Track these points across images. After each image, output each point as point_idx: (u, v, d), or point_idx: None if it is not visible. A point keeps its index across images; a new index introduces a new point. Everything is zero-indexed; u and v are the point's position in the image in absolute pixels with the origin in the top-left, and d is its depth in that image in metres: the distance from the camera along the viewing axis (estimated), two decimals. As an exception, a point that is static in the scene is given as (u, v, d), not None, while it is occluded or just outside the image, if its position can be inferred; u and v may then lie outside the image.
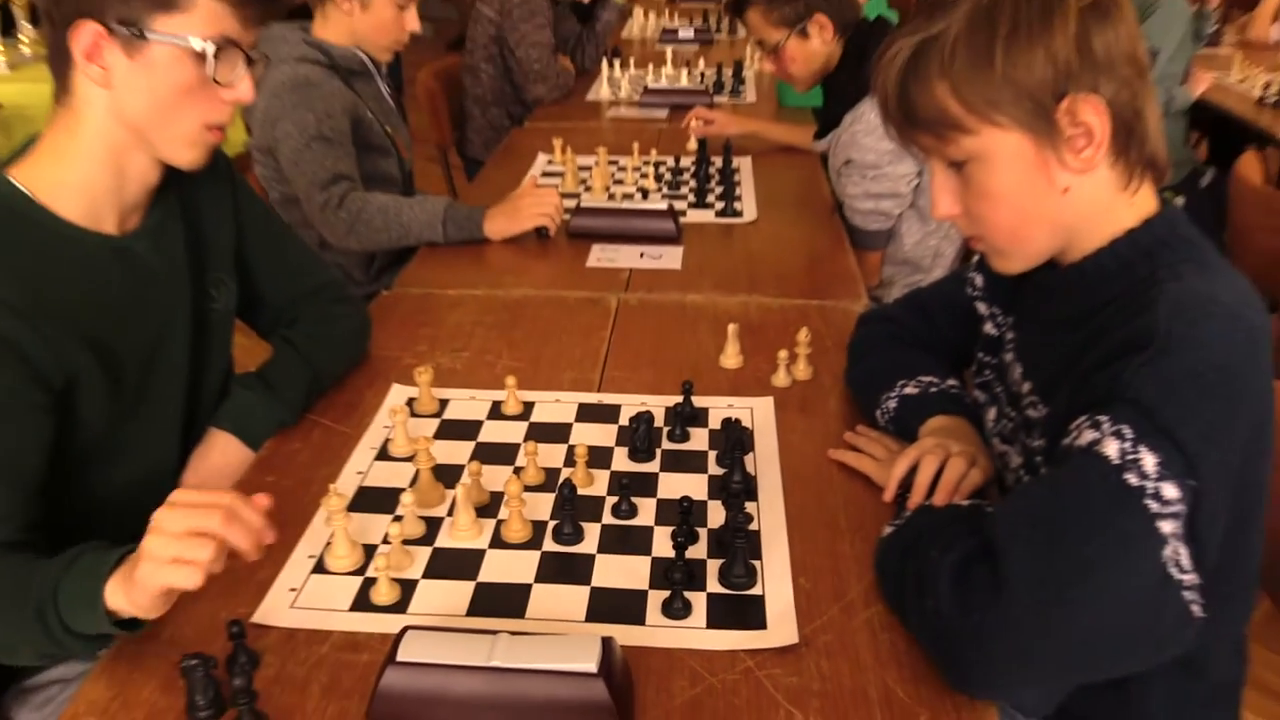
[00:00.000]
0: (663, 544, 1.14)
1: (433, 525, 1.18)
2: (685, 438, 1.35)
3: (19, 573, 1.02)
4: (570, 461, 1.29)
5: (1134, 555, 0.85)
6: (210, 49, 1.13)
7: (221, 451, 1.33)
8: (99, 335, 1.17)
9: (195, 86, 1.14)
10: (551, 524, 1.18)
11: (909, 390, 1.29)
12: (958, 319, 1.32)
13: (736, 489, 1.18)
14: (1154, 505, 0.85)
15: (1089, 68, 0.94)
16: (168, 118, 1.16)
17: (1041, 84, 0.94)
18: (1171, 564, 0.86)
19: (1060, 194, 0.99)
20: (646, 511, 1.20)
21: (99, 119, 1.14)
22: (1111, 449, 0.87)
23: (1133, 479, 0.86)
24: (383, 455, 1.32)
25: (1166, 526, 0.85)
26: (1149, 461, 0.86)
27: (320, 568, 1.11)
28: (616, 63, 3.47)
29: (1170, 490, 0.85)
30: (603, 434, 1.36)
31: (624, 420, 1.39)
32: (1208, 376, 0.87)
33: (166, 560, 0.90)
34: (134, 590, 0.93)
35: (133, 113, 1.14)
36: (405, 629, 0.94)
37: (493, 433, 1.38)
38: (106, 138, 1.15)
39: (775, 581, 1.08)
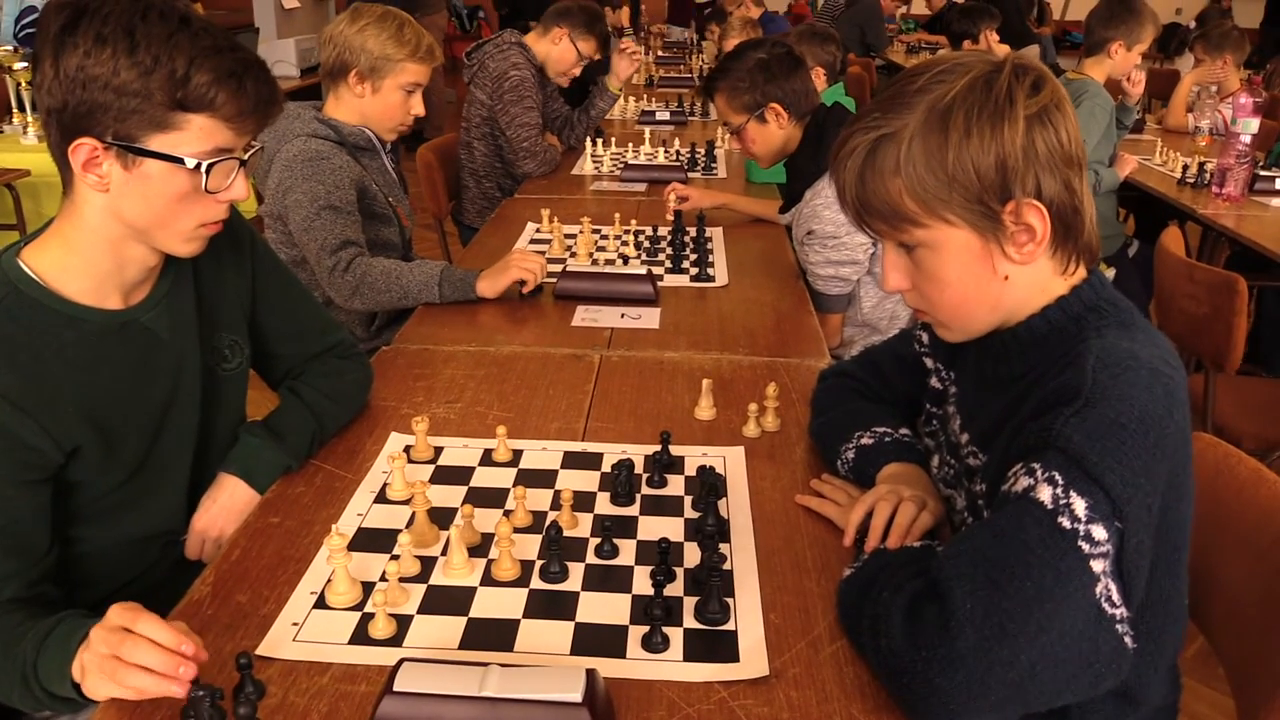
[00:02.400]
0: (642, 582, 1.13)
1: (427, 564, 1.16)
2: (663, 484, 1.34)
3: (14, 632, 1.02)
4: (556, 505, 1.28)
5: (1070, 592, 0.86)
6: (204, 165, 1.09)
7: (229, 494, 1.31)
8: (100, 410, 1.16)
9: (189, 194, 1.11)
10: (539, 563, 1.16)
11: (865, 441, 1.29)
12: (907, 371, 1.33)
13: (711, 531, 1.18)
14: (1086, 546, 0.86)
15: (1033, 170, 0.95)
16: (163, 221, 1.13)
17: (990, 188, 0.95)
18: (1104, 599, 0.86)
19: (1001, 280, 1.00)
20: (627, 552, 1.19)
21: (98, 216, 1.12)
22: (1045, 494, 0.88)
23: (1066, 522, 0.86)
24: (381, 498, 1.30)
25: (1097, 565, 0.86)
26: (1079, 506, 0.87)
27: (321, 603, 1.09)
28: (599, 141, 3.50)
29: (1099, 532, 0.86)
30: (586, 480, 1.35)
31: (606, 467, 1.38)
32: (1130, 427, 0.88)
33: (107, 682, 0.91)
34: (87, 682, 0.94)
35: (129, 216, 1.12)
36: (401, 661, 0.92)
37: (484, 478, 1.36)
38: (105, 231, 1.13)
39: (747, 617, 1.07)
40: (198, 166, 1.09)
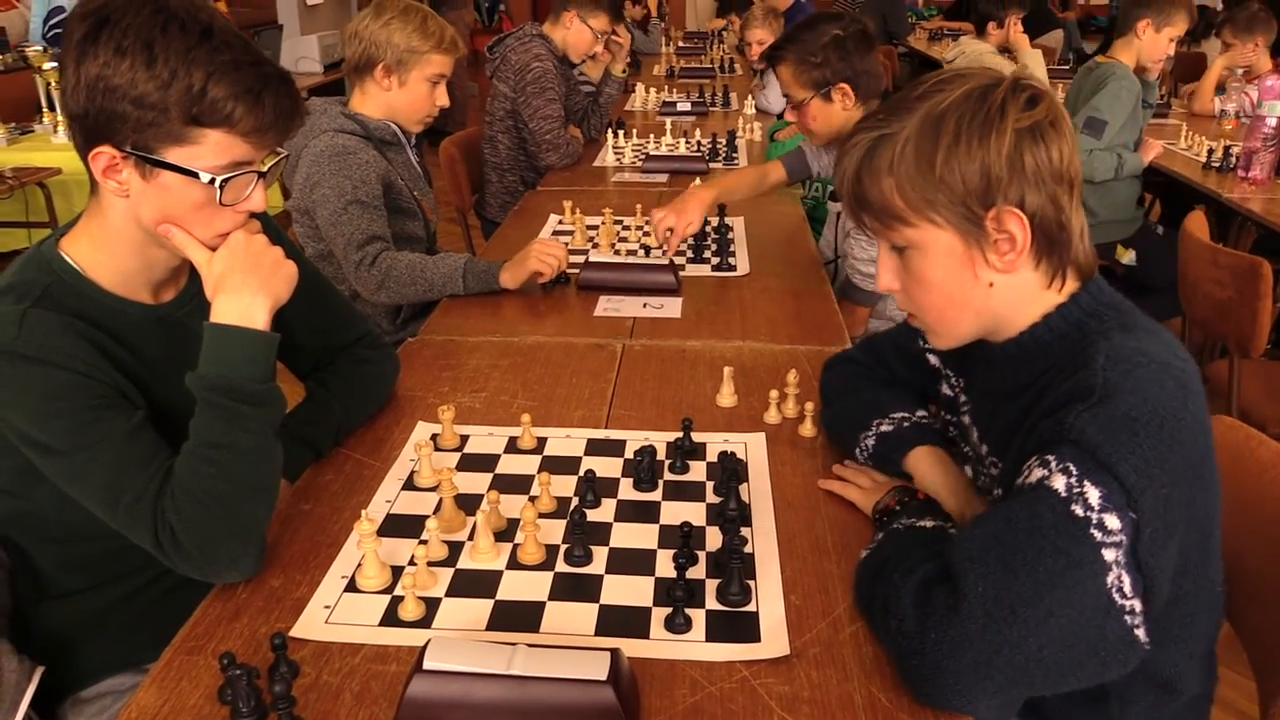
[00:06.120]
0: (665, 565, 1.15)
1: (455, 548, 1.19)
2: (685, 469, 1.36)
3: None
4: (579, 491, 1.30)
5: (1081, 579, 0.87)
6: (218, 179, 1.09)
7: None
8: (147, 393, 1.18)
9: (205, 205, 1.12)
10: (564, 547, 1.18)
11: (885, 428, 1.29)
12: (908, 363, 1.34)
13: (732, 515, 1.19)
14: (1098, 534, 0.87)
15: (1018, 182, 0.97)
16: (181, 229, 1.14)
17: (973, 193, 0.98)
18: (1115, 589, 0.87)
19: (985, 287, 1.03)
20: (650, 536, 1.21)
21: (121, 219, 1.14)
22: (1059, 483, 0.89)
23: (1079, 510, 0.88)
24: (409, 485, 1.33)
25: (1110, 554, 0.87)
26: (1093, 495, 0.88)
27: (352, 587, 1.12)
28: (620, 133, 3.52)
29: (1112, 521, 0.87)
30: (610, 466, 1.37)
31: (629, 454, 1.40)
32: (1142, 420, 0.89)
33: None
34: None
35: (149, 221, 1.13)
36: (430, 640, 0.95)
37: (509, 465, 1.39)
38: (129, 233, 1.15)
39: (768, 599, 1.09)
40: (212, 181, 1.10)
